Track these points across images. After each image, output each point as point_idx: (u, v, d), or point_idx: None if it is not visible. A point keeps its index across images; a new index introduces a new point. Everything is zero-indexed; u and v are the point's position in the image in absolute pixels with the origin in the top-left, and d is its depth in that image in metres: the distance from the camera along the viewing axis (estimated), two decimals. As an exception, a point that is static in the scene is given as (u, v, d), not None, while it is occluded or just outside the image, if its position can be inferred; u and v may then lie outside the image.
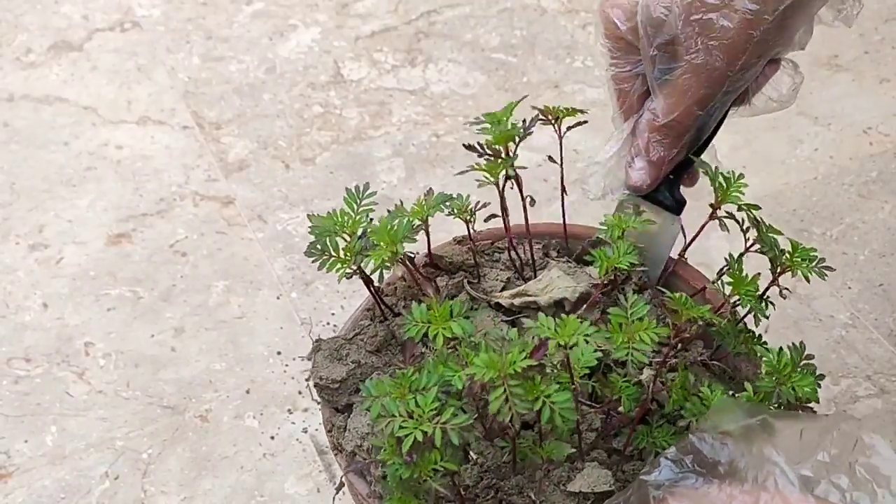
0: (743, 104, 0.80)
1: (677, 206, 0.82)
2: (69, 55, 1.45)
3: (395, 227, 0.74)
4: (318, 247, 0.75)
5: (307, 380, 1.08)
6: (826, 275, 0.75)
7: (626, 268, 0.74)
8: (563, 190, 0.83)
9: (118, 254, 1.20)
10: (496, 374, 0.62)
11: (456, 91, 1.38)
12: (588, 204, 0.85)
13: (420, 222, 0.77)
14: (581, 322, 0.63)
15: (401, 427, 0.63)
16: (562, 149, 0.81)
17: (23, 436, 1.03)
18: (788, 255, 0.75)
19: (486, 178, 0.78)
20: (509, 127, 0.78)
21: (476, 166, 0.78)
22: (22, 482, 1.00)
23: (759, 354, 0.73)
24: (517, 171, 0.79)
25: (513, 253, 0.85)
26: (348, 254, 0.74)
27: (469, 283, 0.84)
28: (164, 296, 1.15)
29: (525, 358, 0.62)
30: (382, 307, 0.81)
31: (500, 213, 0.82)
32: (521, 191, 0.80)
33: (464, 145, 0.79)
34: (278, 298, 1.15)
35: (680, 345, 0.77)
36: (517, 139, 0.78)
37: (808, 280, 0.75)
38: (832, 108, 1.33)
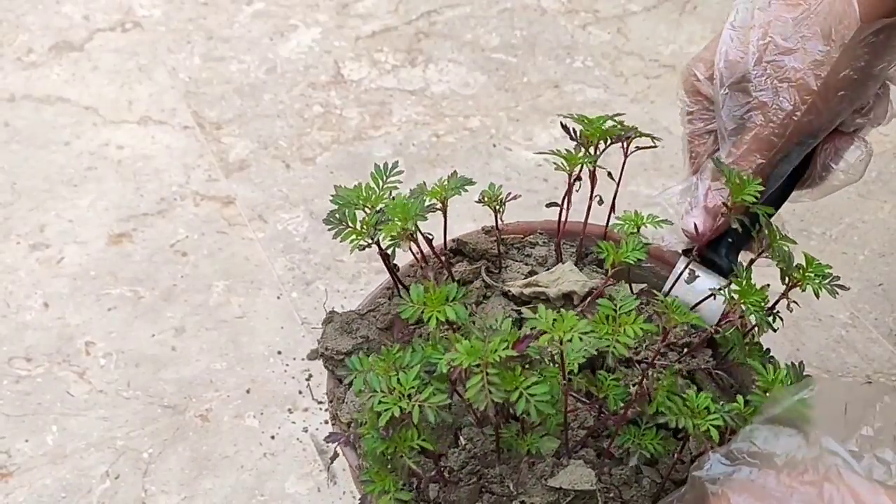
0: (809, 182, 0.81)
1: (726, 269, 0.80)
2: (70, 55, 1.45)
3: (410, 204, 0.74)
4: (337, 216, 0.75)
5: (307, 379, 1.08)
6: (838, 293, 0.73)
7: (632, 262, 0.74)
8: (612, 208, 0.83)
9: (119, 253, 1.20)
10: (476, 362, 0.63)
11: (456, 91, 1.38)
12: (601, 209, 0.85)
13: (437, 202, 0.76)
14: (580, 319, 0.63)
15: (380, 402, 0.64)
16: (623, 168, 0.81)
17: (24, 435, 1.03)
18: (801, 270, 0.74)
19: (560, 165, 0.79)
20: (604, 128, 0.79)
21: (556, 152, 0.79)
22: (23, 481, 1.00)
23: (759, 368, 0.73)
24: (595, 169, 0.80)
25: (549, 248, 0.85)
26: (365, 226, 0.74)
27: (489, 271, 0.84)
28: (165, 295, 1.15)
29: (506, 348, 0.63)
30: (399, 285, 0.81)
31: (559, 204, 0.83)
32: (592, 189, 0.81)
33: (561, 124, 0.80)
34: (279, 298, 1.15)
35: (686, 349, 0.77)
36: (608, 141, 0.79)
37: (817, 296, 0.73)
38: (832, 108, 1.33)
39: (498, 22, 1.49)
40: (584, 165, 0.79)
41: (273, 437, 1.03)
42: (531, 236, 0.88)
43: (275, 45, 1.46)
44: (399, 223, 0.73)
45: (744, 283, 0.73)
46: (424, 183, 0.78)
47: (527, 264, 0.85)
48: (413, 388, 0.64)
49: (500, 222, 0.83)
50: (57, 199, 1.26)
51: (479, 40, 1.46)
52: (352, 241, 0.74)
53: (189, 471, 1.01)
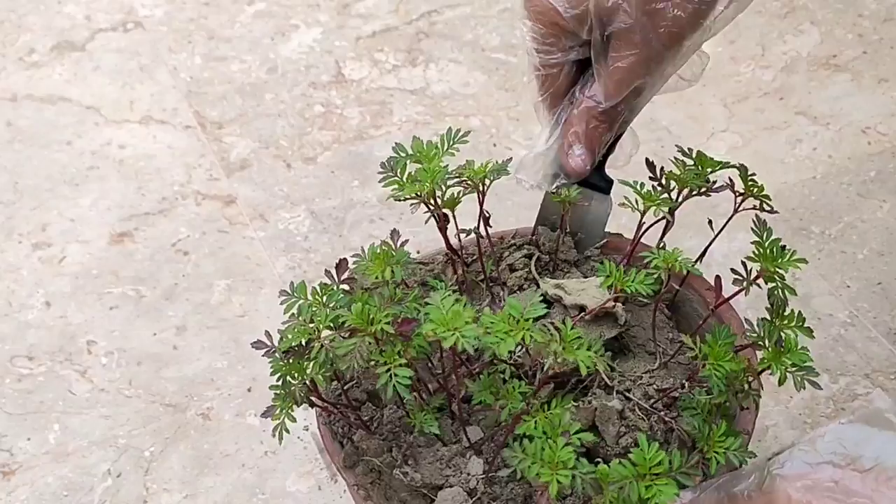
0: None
1: (608, 186, 0.85)
2: (72, 55, 1.45)
3: (436, 171, 0.75)
4: (390, 164, 0.77)
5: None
6: (807, 384, 0.69)
7: (630, 291, 0.72)
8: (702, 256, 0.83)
9: (121, 252, 1.20)
10: (362, 325, 0.65)
11: (456, 91, 1.39)
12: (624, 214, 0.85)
13: (470, 181, 0.77)
14: (471, 321, 0.63)
15: (296, 328, 0.68)
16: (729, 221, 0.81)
17: (26, 433, 1.04)
18: (778, 354, 0.70)
19: (631, 203, 0.79)
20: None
21: (637, 188, 0.79)
22: (25, 479, 1.00)
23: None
24: (671, 219, 0.80)
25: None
26: (409, 180, 0.76)
27: (545, 267, 0.85)
28: (167, 294, 1.16)
29: (388, 323, 0.65)
30: (449, 249, 0.81)
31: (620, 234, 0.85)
32: (664, 233, 0.82)
33: (647, 160, 0.81)
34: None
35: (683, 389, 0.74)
36: (692, 191, 0.80)
37: (780, 383, 0.70)
38: (831, 107, 1.33)
39: (498, 22, 1.49)
40: (658, 209, 0.79)
41: (274, 436, 1.03)
42: (616, 255, 0.87)
43: (276, 44, 1.47)
44: (424, 185, 0.74)
45: (717, 344, 0.69)
46: (473, 161, 0.79)
47: (587, 277, 0.85)
48: (329, 326, 0.67)
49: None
50: (59, 199, 1.26)
51: (479, 40, 1.46)
52: (392, 190, 0.76)
53: (190, 469, 1.01)
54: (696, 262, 0.79)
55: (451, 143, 0.77)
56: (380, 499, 0.73)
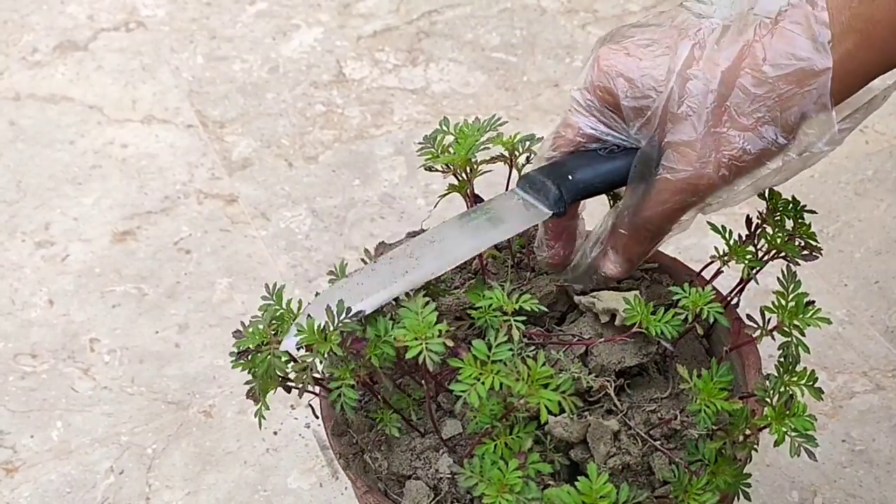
0: None
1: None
2: (75, 55, 1.46)
3: (471, 142, 0.75)
4: (430, 140, 0.78)
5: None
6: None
7: (654, 334, 0.69)
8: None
9: (123, 251, 1.21)
10: (315, 342, 0.66)
11: (457, 90, 1.40)
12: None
13: (504, 151, 0.77)
14: (440, 334, 0.62)
15: (255, 331, 0.68)
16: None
17: (29, 431, 1.05)
18: (781, 414, 0.66)
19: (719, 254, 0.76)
20: None
21: (722, 233, 0.76)
22: (28, 476, 1.01)
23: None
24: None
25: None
26: (442, 150, 0.78)
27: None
28: (169, 292, 1.17)
29: (337, 341, 0.65)
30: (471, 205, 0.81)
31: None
32: (742, 288, 0.79)
33: (747, 217, 0.79)
34: (281, 295, 1.16)
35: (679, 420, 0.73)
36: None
37: (776, 444, 0.66)
38: (830, 107, 1.34)
39: (498, 21, 1.50)
40: (744, 264, 0.73)
41: (276, 433, 1.04)
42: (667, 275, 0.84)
43: (277, 44, 1.47)
44: (459, 154, 0.74)
45: (711, 380, 0.66)
46: (501, 134, 0.78)
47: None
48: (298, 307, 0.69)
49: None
50: (62, 198, 1.27)
51: (479, 40, 1.47)
52: (427, 159, 0.77)
53: (192, 466, 1.02)
54: (728, 299, 0.76)
55: (491, 125, 0.77)
56: (358, 471, 0.74)
